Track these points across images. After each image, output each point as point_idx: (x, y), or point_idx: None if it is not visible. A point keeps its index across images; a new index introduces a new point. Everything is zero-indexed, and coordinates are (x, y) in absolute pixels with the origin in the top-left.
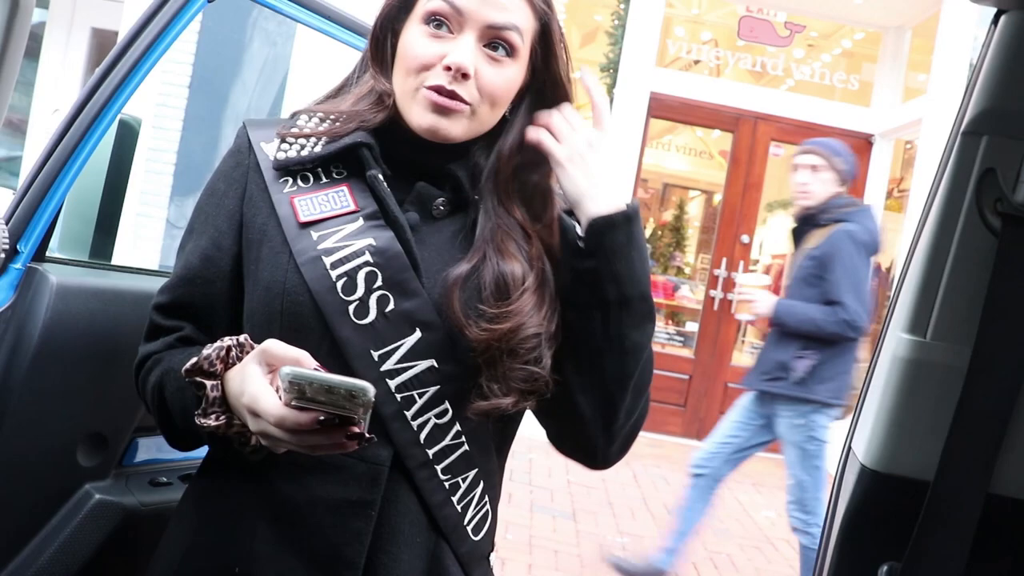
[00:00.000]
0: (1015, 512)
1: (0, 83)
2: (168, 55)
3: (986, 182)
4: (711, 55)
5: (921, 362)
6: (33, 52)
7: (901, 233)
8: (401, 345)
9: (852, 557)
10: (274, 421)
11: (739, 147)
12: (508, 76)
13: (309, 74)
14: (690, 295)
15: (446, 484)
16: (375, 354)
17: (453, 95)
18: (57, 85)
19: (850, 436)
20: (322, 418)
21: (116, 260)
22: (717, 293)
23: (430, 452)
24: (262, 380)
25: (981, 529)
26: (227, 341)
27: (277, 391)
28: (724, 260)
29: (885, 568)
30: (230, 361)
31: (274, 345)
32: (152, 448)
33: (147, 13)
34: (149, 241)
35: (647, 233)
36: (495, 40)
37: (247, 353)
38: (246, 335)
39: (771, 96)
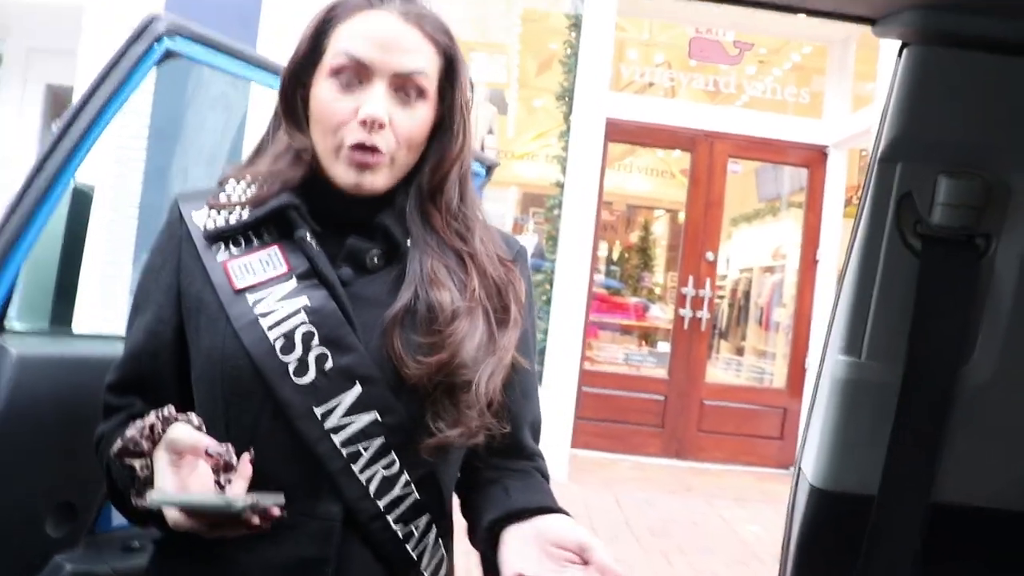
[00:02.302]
0: (959, 518)
1: None
2: (124, 109)
3: (904, 206)
4: (664, 77)
5: (858, 381)
6: None
7: None
8: (342, 400)
9: (809, 575)
10: (171, 524)
11: (698, 166)
12: (421, 118)
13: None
14: (661, 315)
15: (400, 533)
16: (318, 411)
17: (372, 149)
18: (13, 142)
19: (799, 457)
20: (212, 522)
21: (84, 324)
22: (686, 311)
23: (380, 504)
24: (168, 472)
25: (928, 538)
26: (149, 418)
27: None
28: (691, 278)
29: None
30: (156, 437)
31: (177, 433)
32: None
33: (96, 80)
34: (117, 301)
35: (615, 255)
36: (405, 86)
37: (171, 424)
38: (170, 408)
39: (725, 114)
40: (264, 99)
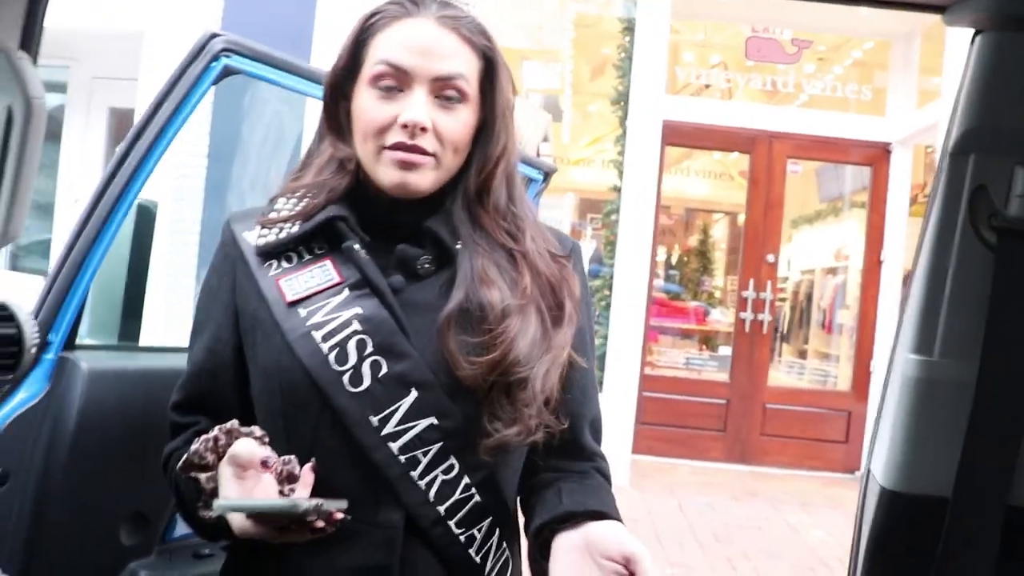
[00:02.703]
0: None
1: (20, 184)
2: (185, 126)
3: (978, 199)
4: (721, 78)
5: (930, 381)
6: (54, 135)
7: None
8: (399, 408)
9: None
10: (238, 531)
11: (756, 167)
12: (463, 121)
13: None
14: (721, 319)
15: (461, 538)
16: (374, 419)
17: (416, 148)
18: (79, 166)
19: (869, 459)
20: (279, 526)
21: (148, 339)
22: (747, 314)
23: (441, 509)
24: (233, 484)
25: (1005, 541)
26: (214, 432)
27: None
28: (751, 281)
29: None
30: (220, 451)
31: (238, 447)
32: None
33: (157, 99)
34: (180, 315)
35: (674, 259)
36: (445, 90)
37: (235, 438)
38: (234, 422)
39: (784, 114)
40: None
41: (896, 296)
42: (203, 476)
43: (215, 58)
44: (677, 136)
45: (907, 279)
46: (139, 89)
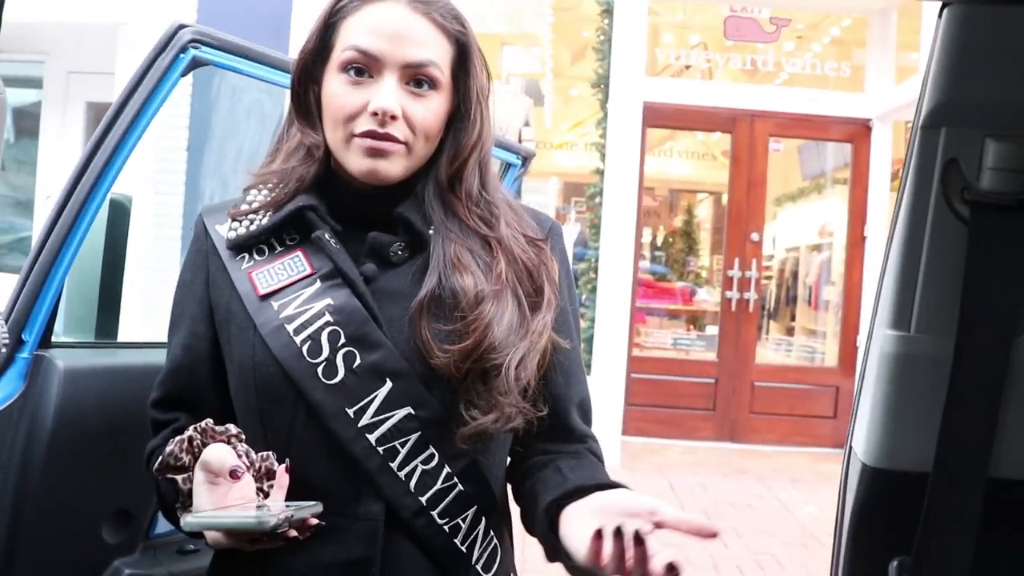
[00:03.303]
0: (1016, 493)
1: None
2: (162, 120)
3: (950, 173)
4: (701, 58)
5: (908, 356)
6: (32, 131)
7: None
8: (374, 398)
9: (863, 555)
10: (211, 543)
11: (738, 146)
12: (435, 108)
13: None
14: (708, 298)
15: (446, 528)
16: (350, 411)
17: (387, 136)
18: (58, 162)
19: (850, 435)
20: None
21: (129, 334)
22: (733, 293)
23: (423, 499)
24: (206, 491)
25: (986, 513)
26: (188, 432)
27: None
28: (736, 260)
29: (896, 563)
30: (195, 451)
31: (210, 456)
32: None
33: (125, 92)
34: (162, 309)
35: (659, 241)
36: (416, 77)
37: (211, 438)
38: (208, 420)
39: (765, 92)
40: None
41: (880, 271)
42: (179, 477)
43: (183, 49)
44: (658, 118)
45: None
46: (116, 83)
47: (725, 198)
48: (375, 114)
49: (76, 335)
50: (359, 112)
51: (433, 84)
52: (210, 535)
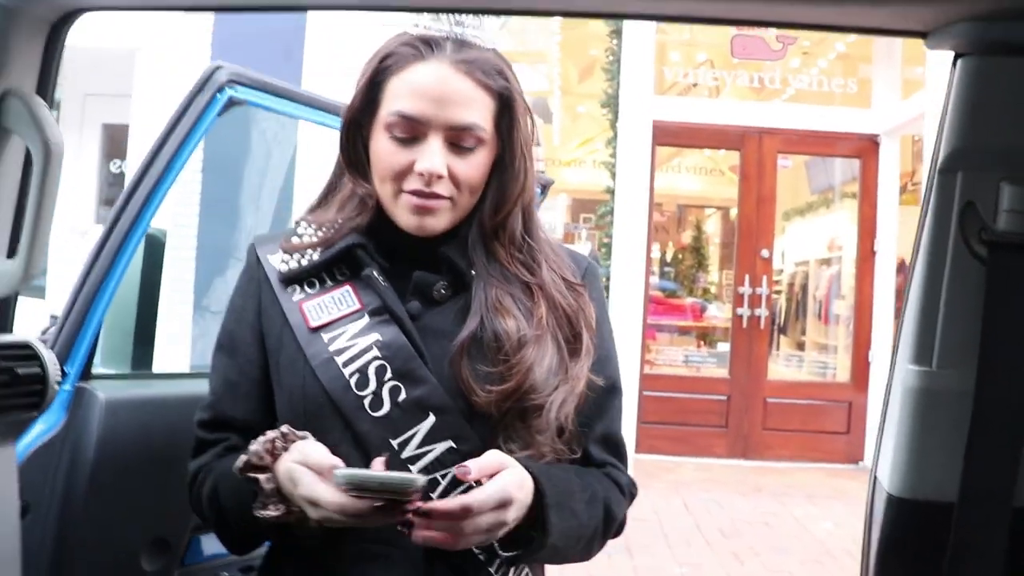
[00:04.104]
0: None
1: (39, 226)
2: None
3: (968, 215)
4: (708, 76)
5: (930, 390)
6: None
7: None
8: (417, 431)
9: None
10: (335, 509)
11: (747, 163)
12: (479, 163)
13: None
14: (718, 314)
15: (481, 557)
16: (394, 443)
17: (432, 195)
18: (74, 182)
19: (874, 466)
20: (378, 504)
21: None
22: (744, 310)
23: None
24: (311, 474)
25: (1012, 543)
26: (271, 434)
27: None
28: (747, 277)
29: None
30: (276, 452)
31: (313, 452)
32: (212, 544)
33: (164, 132)
34: (179, 338)
35: (668, 257)
36: (460, 138)
37: (290, 441)
38: (287, 426)
39: (772, 109)
40: (312, 135)
41: (891, 285)
42: (262, 477)
43: (220, 89)
44: (667, 136)
45: (901, 268)
46: (132, 107)
47: (733, 213)
48: (422, 174)
49: (113, 366)
50: (406, 171)
51: (477, 143)
52: (329, 502)
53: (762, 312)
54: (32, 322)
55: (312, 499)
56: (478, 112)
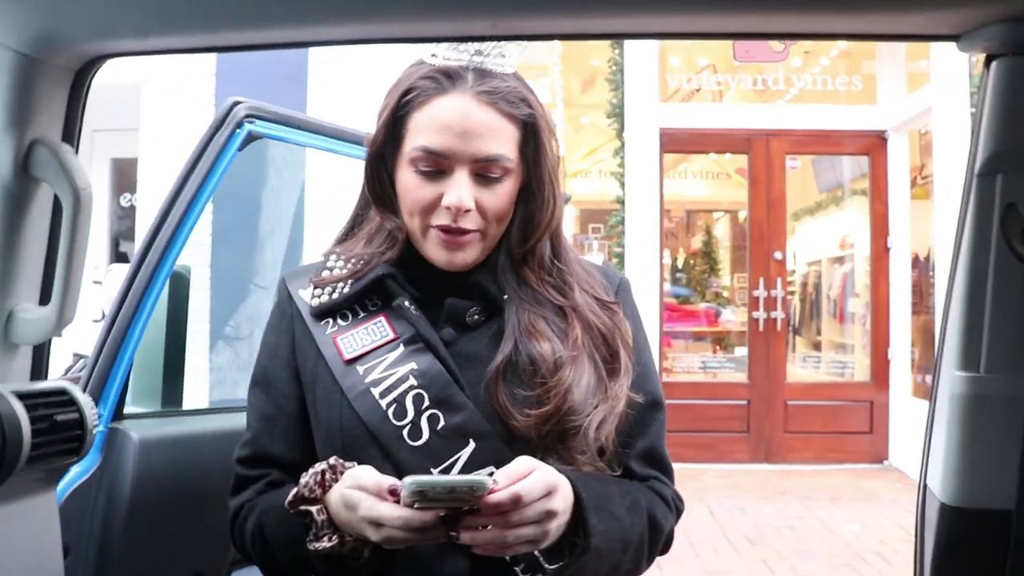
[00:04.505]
0: None
1: (71, 271)
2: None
3: (1009, 217)
4: (711, 81)
5: (979, 396)
6: None
7: (932, 221)
8: (458, 459)
9: None
10: (400, 524)
11: (756, 166)
12: (506, 192)
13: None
14: (732, 318)
15: (527, 574)
16: (435, 472)
17: (460, 231)
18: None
19: (924, 475)
20: (442, 514)
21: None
22: (760, 314)
23: (507, 555)
24: (369, 496)
25: None
26: (319, 466)
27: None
28: (761, 280)
29: None
30: (326, 484)
31: (365, 477)
32: None
33: (185, 169)
34: (196, 372)
35: (680, 262)
36: (486, 170)
37: (339, 473)
38: (336, 457)
39: (777, 111)
40: (320, 161)
41: (907, 281)
42: (313, 509)
43: (239, 125)
44: (675, 143)
45: (915, 263)
46: (140, 138)
47: (742, 216)
48: (449, 208)
49: (144, 405)
50: (434, 205)
51: (504, 171)
52: (392, 518)
53: (778, 315)
54: (53, 360)
55: (373, 518)
56: (503, 143)
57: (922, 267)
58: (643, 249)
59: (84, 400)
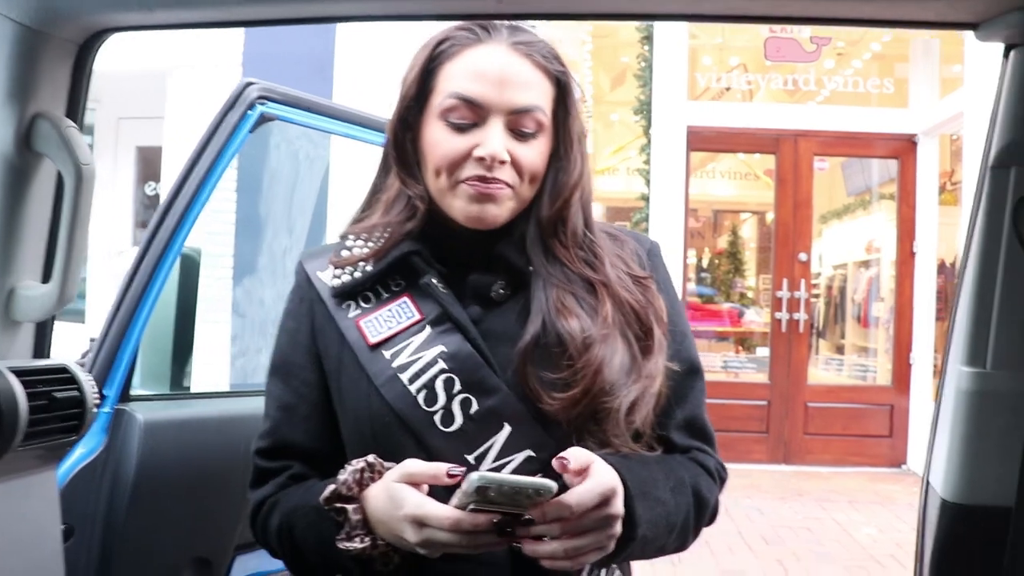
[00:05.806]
0: None
1: (73, 248)
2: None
3: (1022, 210)
4: (741, 80)
5: (985, 392)
6: None
7: (960, 227)
8: (493, 443)
9: None
10: (449, 525)
11: (783, 167)
12: (540, 151)
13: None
14: (756, 319)
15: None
16: (470, 458)
17: (494, 180)
18: (109, 205)
19: (927, 471)
20: (496, 520)
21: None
22: (783, 315)
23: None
24: (418, 493)
25: None
26: (358, 463)
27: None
28: (785, 281)
29: None
30: (364, 482)
31: (416, 468)
32: (251, 563)
33: (197, 150)
34: (216, 358)
35: (704, 262)
36: (522, 122)
37: (378, 472)
38: (374, 455)
39: (807, 112)
40: (345, 150)
41: (932, 287)
42: (350, 507)
43: (251, 106)
44: (702, 141)
45: (941, 269)
46: (165, 128)
47: (769, 217)
48: (482, 159)
49: (151, 387)
50: (464, 158)
51: (539, 127)
52: (426, 534)
53: (801, 316)
54: (72, 346)
55: (420, 517)
56: (538, 94)
57: (948, 273)
58: (667, 246)
59: (84, 378)
